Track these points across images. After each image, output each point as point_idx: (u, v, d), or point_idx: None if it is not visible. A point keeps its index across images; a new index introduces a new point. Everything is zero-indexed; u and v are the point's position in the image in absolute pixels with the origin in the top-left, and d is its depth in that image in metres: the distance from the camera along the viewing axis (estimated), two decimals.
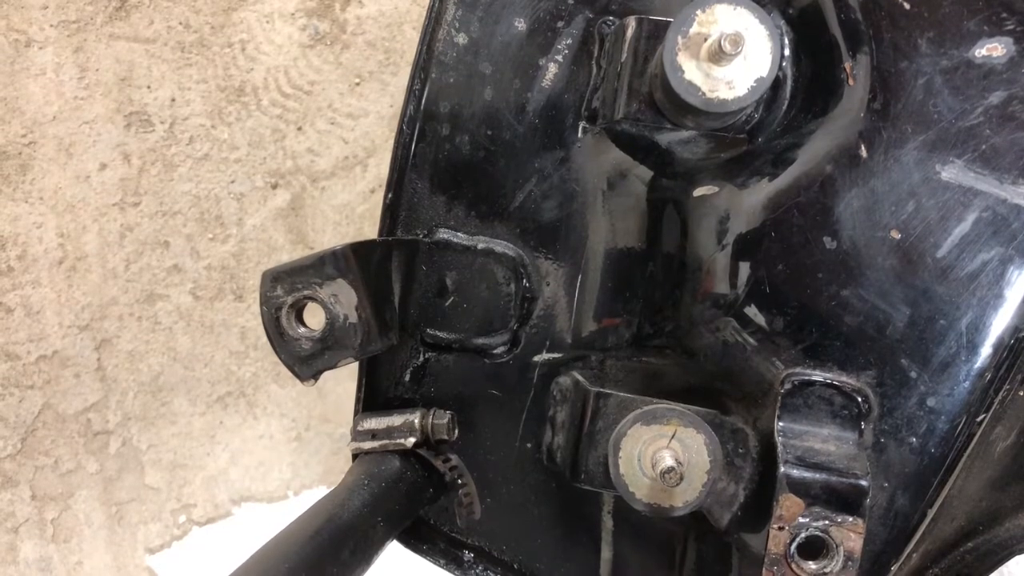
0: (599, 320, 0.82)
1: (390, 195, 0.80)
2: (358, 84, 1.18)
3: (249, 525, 1.19)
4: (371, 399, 0.83)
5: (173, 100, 1.22)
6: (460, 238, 0.81)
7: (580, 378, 0.80)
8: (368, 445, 0.79)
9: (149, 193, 1.20)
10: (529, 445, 0.83)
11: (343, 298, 0.67)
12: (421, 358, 0.84)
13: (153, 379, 1.21)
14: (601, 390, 0.75)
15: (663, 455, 0.68)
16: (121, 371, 1.20)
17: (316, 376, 0.69)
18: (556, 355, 0.82)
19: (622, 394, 0.75)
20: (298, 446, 1.16)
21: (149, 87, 1.22)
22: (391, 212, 0.82)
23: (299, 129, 1.20)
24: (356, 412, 0.83)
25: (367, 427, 0.80)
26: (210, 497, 1.20)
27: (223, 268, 1.20)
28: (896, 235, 0.67)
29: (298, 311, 0.69)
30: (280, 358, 0.69)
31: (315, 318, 0.70)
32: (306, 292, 0.67)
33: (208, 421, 1.20)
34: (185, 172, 1.22)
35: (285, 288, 0.67)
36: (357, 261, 0.68)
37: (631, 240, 0.81)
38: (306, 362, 0.68)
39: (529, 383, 0.82)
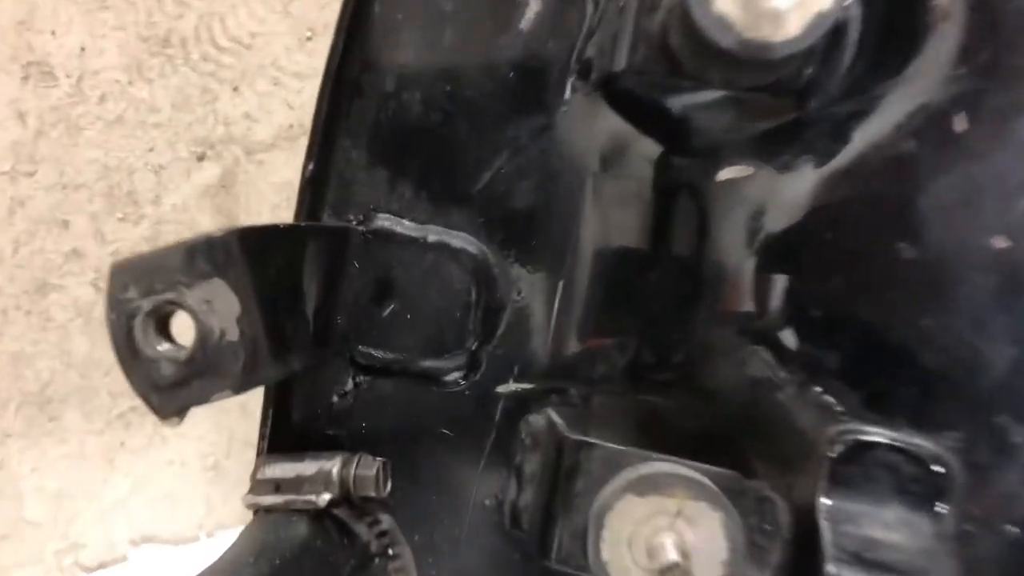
0: (584, 341, 0.63)
1: (311, 166, 0.62)
2: (310, 39, 0.99)
3: (148, 573, 1.00)
4: (280, 436, 0.64)
5: (83, 50, 1.02)
6: (406, 227, 0.64)
7: (556, 419, 0.62)
8: (269, 500, 0.60)
9: (48, 161, 1.01)
10: (487, 502, 0.66)
11: (220, 305, 0.48)
12: (350, 384, 0.65)
13: (41, 388, 1.01)
14: (583, 438, 0.60)
15: (663, 542, 0.51)
16: (2, 377, 1.01)
17: (181, 413, 0.50)
18: (527, 385, 0.64)
19: (611, 445, 0.59)
20: (215, 476, 0.97)
21: (54, 33, 1.03)
22: (314, 189, 0.63)
23: (235, 90, 1.01)
24: (259, 452, 0.63)
25: (270, 475, 0.61)
26: (104, 535, 1.01)
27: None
28: (1002, 243, 0.50)
29: (160, 320, 0.50)
30: (131, 384, 0.50)
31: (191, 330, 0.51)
32: (168, 296, 0.48)
33: (106, 441, 1.01)
34: (93, 137, 1.02)
35: (141, 288, 0.48)
36: (246, 254, 0.50)
37: (630, 237, 0.64)
38: (166, 393, 0.50)
39: (490, 421, 0.65)
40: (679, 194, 0.61)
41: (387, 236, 0.63)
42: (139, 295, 0.49)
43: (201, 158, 1.00)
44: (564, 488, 0.60)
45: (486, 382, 0.65)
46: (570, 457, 0.59)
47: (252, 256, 0.50)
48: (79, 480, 1.00)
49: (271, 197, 0.99)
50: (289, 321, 0.54)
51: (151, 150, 1.01)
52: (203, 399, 0.50)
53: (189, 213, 0.99)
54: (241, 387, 0.50)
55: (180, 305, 0.50)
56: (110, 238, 1.01)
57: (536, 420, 0.65)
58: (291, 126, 0.99)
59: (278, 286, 0.53)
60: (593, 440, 0.59)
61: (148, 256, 0.49)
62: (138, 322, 0.50)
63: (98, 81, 1.02)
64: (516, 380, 0.65)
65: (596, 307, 0.62)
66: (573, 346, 0.63)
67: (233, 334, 0.49)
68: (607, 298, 0.62)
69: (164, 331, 0.51)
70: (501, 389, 0.65)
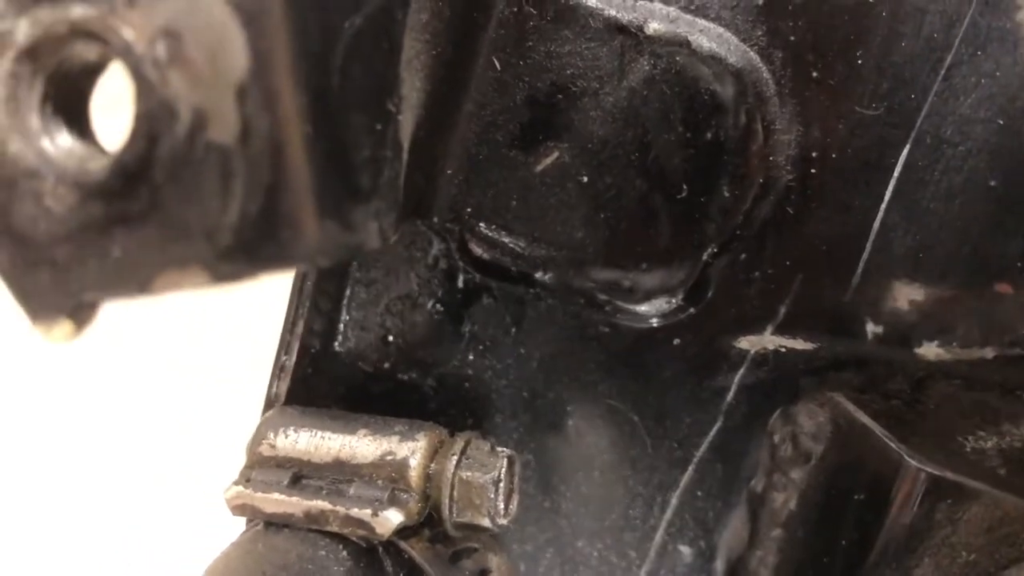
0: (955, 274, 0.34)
1: None
2: None
3: None
4: (315, 372, 0.36)
5: None
6: None
7: (864, 419, 0.33)
8: (276, 504, 0.32)
9: None
10: (685, 549, 0.37)
11: (201, 48, 0.20)
12: (456, 289, 0.36)
13: None
14: (944, 474, 0.28)
15: None
16: None
17: (78, 314, 0.22)
18: (800, 344, 0.34)
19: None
20: None
21: None
22: None
23: None
24: (270, 397, 0.36)
25: (286, 451, 0.33)
26: None
27: None
28: None
29: (58, 82, 0.21)
30: None
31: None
32: (79, 11, 0.19)
33: None
34: None
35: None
36: None
37: None
38: (45, 254, 0.21)
39: (715, 400, 0.38)
40: None
41: (563, 12, 0.33)
42: (11, 10, 0.21)
43: None
44: (885, 562, 0.31)
45: (714, 327, 0.36)
46: (916, 504, 0.30)
47: None
48: None
49: None
50: (365, 131, 0.25)
51: None
52: (132, 283, 0.22)
53: None
54: (233, 263, 0.22)
55: (102, 41, 0.21)
56: None
57: (809, 413, 0.35)
58: None
59: (346, 46, 0.24)
60: (963, 480, 0.30)
61: None
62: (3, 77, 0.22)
63: None
64: (778, 331, 0.35)
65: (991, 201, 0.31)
66: (925, 280, 0.33)
67: (226, 126, 0.20)
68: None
69: (67, 109, 0.23)
70: (744, 344, 0.36)
